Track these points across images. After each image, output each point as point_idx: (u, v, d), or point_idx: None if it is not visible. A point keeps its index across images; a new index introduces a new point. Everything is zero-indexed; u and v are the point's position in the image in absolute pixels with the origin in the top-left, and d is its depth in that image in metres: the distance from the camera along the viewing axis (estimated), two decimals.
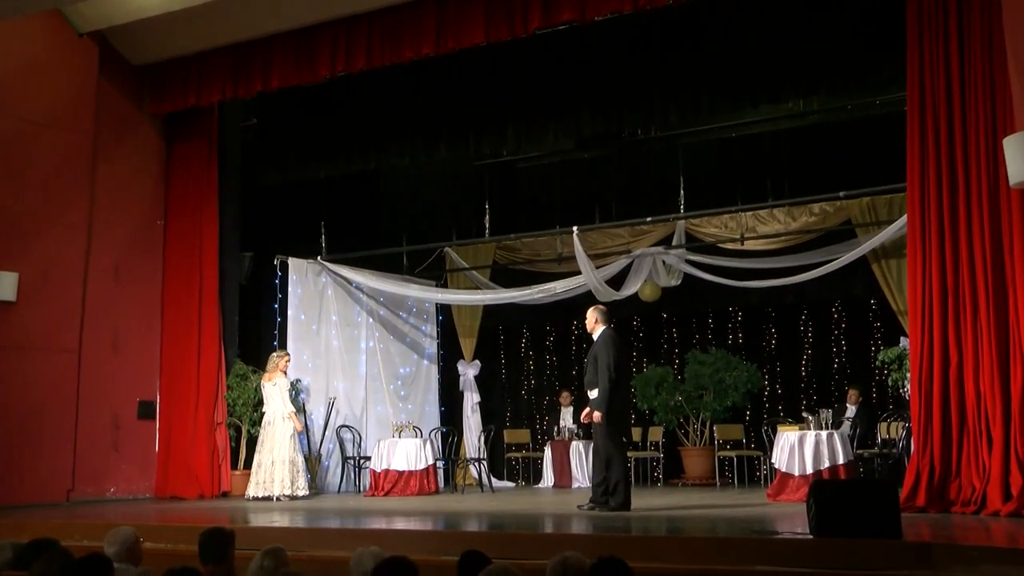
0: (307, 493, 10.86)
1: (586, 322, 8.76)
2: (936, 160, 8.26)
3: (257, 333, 12.62)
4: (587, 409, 8.48)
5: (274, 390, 10.99)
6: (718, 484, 12.12)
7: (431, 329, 14.03)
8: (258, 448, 10.88)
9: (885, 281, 10.87)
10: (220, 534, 4.94)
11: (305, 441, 11.65)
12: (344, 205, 13.37)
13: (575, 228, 11.54)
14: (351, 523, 8.38)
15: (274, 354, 11.34)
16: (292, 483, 10.72)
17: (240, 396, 11.64)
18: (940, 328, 8.13)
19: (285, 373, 11.12)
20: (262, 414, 11.12)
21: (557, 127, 10.85)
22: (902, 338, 10.25)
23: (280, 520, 8.52)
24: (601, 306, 9.02)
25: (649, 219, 11.86)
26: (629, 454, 12.45)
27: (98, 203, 11.21)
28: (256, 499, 10.61)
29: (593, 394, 8.42)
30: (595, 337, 8.63)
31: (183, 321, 11.67)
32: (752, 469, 12.60)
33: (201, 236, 11.81)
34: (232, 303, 12.10)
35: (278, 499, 10.60)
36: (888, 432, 10.85)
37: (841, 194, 10.69)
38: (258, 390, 11.58)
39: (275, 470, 10.73)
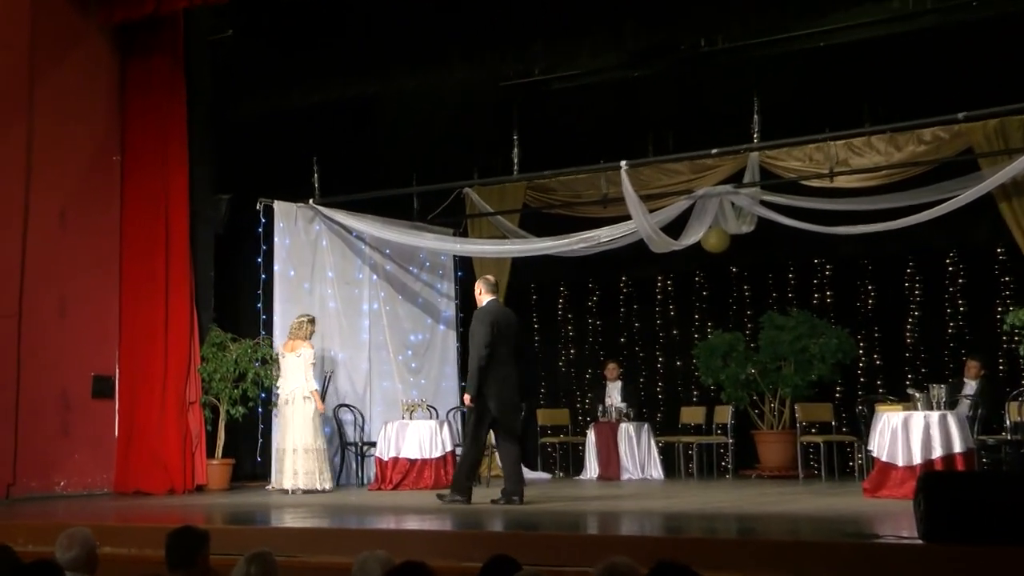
0: (331, 487, 11.10)
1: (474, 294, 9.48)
2: None
3: (237, 293, 12.62)
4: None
5: (296, 362, 11.16)
6: (801, 476, 12.10)
7: (448, 288, 14.06)
8: (278, 433, 11.23)
9: (1017, 224, 10.68)
10: (189, 534, 4.99)
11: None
12: (341, 137, 13.35)
13: (623, 163, 11.51)
14: (353, 522, 8.44)
15: (299, 318, 11.49)
16: (319, 474, 10.97)
17: (217, 369, 11.66)
18: None
19: (310, 342, 11.28)
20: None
21: (599, 39, 10.77)
22: None
23: (272, 519, 8.51)
24: (488, 276, 9.74)
25: (715, 151, 11.76)
26: (689, 439, 12.82)
27: (37, 135, 11.15)
28: (293, 492, 10.83)
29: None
30: None
31: (146, 278, 11.66)
32: (843, 458, 12.56)
33: (167, 175, 11.77)
34: (206, 256, 12.12)
35: (293, 492, 10.81)
36: (1020, 414, 10.71)
37: (960, 115, 10.48)
38: (239, 362, 11.68)
39: (295, 459, 10.93)
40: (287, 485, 10.93)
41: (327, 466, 11.15)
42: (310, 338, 11.37)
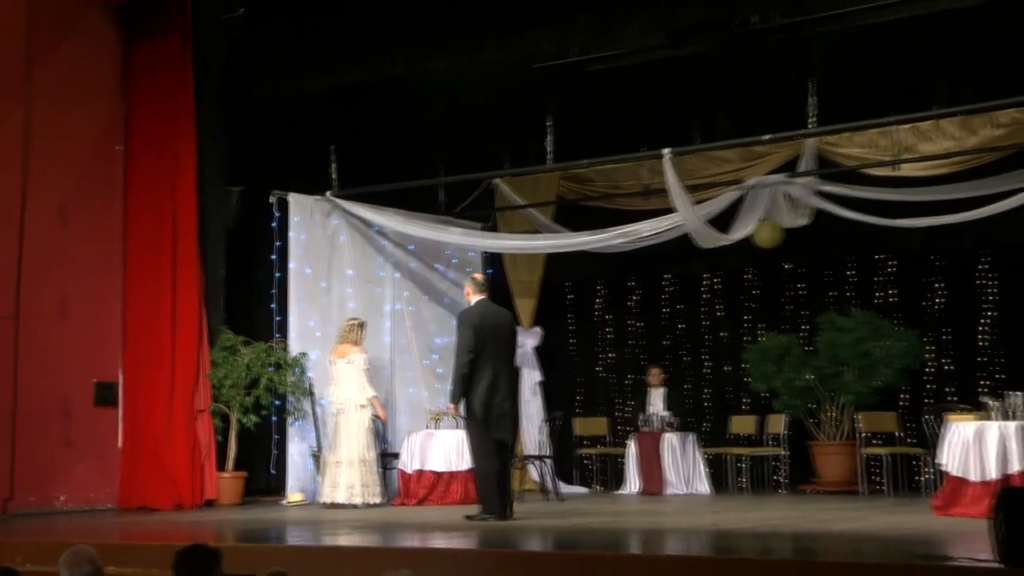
0: (381, 500, 11.25)
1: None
2: None
3: (249, 292, 12.67)
4: None
5: (348, 369, 11.35)
6: (864, 491, 12.06)
7: None
8: (327, 444, 11.44)
9: None
10: (200, 553, 5.01)
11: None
12: (361, 124, 13.38)
13: (667, 151, 11.48)
14: (376, 540, 8.39)
15: (348, 321, 11.67)
16: (371, 487, 11.17)
17: (228, 375, 11.71)
18: None
19: (362, 347, 11.47)
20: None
21: (642, 16, 10.73)
22: None
23: (288, 536, 8.53)
24: (477, 275, 9.96)
25: (767, 137, 11.67)
26: (740, 451, 12.80)
27: (35, 123, 11.19)
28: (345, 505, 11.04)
29: None
30: None
31: (152, 277, 11.68)
32: (910, 472, 12.49)
33: (174, 165, 11.80)
34: (216, 253, 12.16)
35: (345, 506, 11.00)
36: None
37: None
38: (251, 367, 11.75)
39: (349, 472, 11.12)
40: (340, 499, 11.07)
41: (375, 479, 11.31)
42: (361, 343, 11.54)
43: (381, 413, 11.65)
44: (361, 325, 11.62)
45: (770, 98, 12.56)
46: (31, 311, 11.02)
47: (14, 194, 11.00)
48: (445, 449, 11.53)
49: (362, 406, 11.28)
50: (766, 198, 11.83)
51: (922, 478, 12.05)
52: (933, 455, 10.32)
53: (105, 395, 11.57)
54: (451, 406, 9.55)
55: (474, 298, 9.57)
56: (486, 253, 13.96)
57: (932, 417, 10.83)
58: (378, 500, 11.21)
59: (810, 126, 11.49)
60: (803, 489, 12.55)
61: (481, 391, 9.21)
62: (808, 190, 11.70)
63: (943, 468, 9.57)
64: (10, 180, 10.99)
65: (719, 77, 12.81)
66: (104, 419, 11.57)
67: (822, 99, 11.48)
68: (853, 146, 11.68)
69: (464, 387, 9.23)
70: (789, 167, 11.88)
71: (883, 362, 12.19)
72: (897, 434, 12.39)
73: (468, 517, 9.35)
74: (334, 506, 11.02)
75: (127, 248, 11.82)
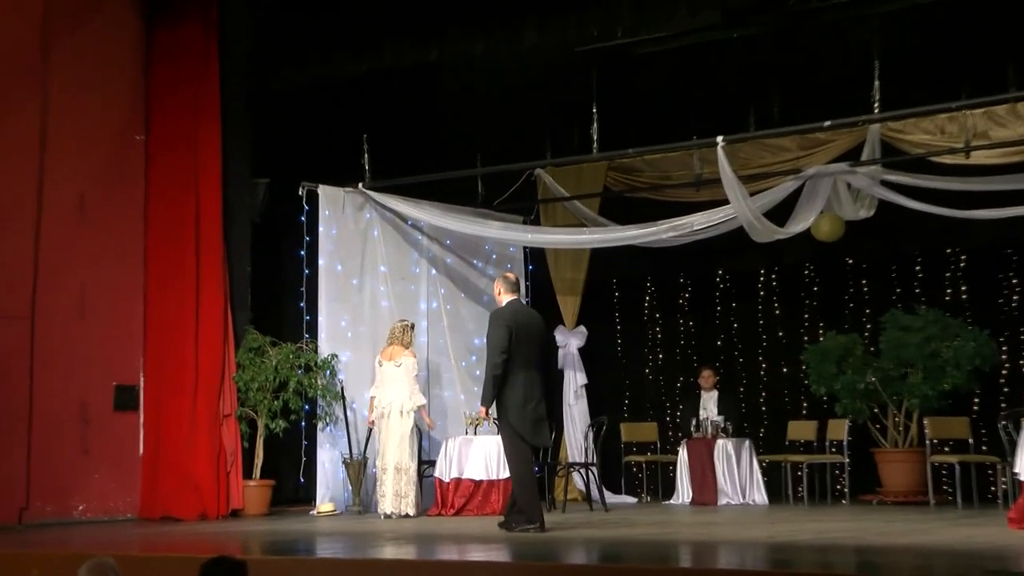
0: (415, 512, 11.31)
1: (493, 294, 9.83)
2: None
3: (277, 290, 12.74)
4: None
5: (396, 373, 11.49)
6: (932, 502, 11.95)
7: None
8: (380, 450, 11.55)
9: None
10: (225, 566, 5.00)
11: (352, 443, 11.96)
12: (395, 112, 13.39)
13: (720, 139, 11.46)
14: (411, 552, 8.40)
15: (400, 322, 11.79)
16: (397, 498, 11.25)
17: (255, 378, 11.76)
18: None
19: (412, 350, 11.63)
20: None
21: None
22: None
23: (317, 548, 8.53)
24: (508, 274, 10.01)
25: (827, 123, 11.63)
26: (798, 458, 12.73)
27: (52, 113, 11.27)
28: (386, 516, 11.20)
29: None
30: None
31: (174, 274, 11.74)
32: (983, 482, 12.38)
33: (197, 156, 11.86)
34: (242, 249, 12.22)
35: (386, 517, 11.19)
36: None
37: None
38: (279, 369, 11.79)
39: (386, 480, 11.27)
40: (389, 508, 11.25)
41: (413, 489, 11.39)
42: (411, 345, 11.66)
43: (429, 423, 11.81)
44: (412, 327, 11.76)
45: (830, 81, 12.48)
46: (48, 310, 11.10)
47: (30, 186, 11.08)
48: (484, 456, 11.53)
49: (407, 412, 11.39)
50: (826, 188, 11.78)
51: (996, 488, 11.97)
52: (1008, 463, 10.25)
53: (125, 399, 11.63)
54: (482, 409, 9.67)
55: (505, 298, 9.63)
56: (527, 248, 13.97)
57: (1007, 423, 10.70)
58: (412, 511, 11.25)
59: (874, 111, 11.41)
60: (866, 500, 12.46)
61: (515, 395, 9.26)
62: (871, 180, 11.63)
63: (1020, 477, 9.43)
64: (26, 171, 11.06)
65: (775, 59, 12.71)
66: (124, 424, 11.63)
67: (886, 82, 11.37)
68: (920, 132, 11.61)
69: (496, 389, 9.26)
70: (851, 155, 11.82)
71: (952, 363, 12.07)
72: (969, 441, 12.25)
73: (503, 526, 9.34)
74: (387, 517, 11.19)
75: (148, 243, 11.89)
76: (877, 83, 11.34)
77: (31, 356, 10.93)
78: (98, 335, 11.45)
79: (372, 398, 11.74)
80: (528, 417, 9.30)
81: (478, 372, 13.31)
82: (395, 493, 11.23)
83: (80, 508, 11.22)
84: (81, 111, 11.49)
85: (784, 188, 11.84)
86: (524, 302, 13.56)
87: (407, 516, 11.16)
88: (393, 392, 11.41)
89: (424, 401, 11.64)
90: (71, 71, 11.43)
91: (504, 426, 9.39)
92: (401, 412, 11.35)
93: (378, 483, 11.46)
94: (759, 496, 12.62)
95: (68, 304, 11.27)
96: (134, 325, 11.77)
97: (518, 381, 9.28)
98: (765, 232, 11.65)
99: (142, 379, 11.77)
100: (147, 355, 11.78)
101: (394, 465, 11.26)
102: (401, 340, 11.63)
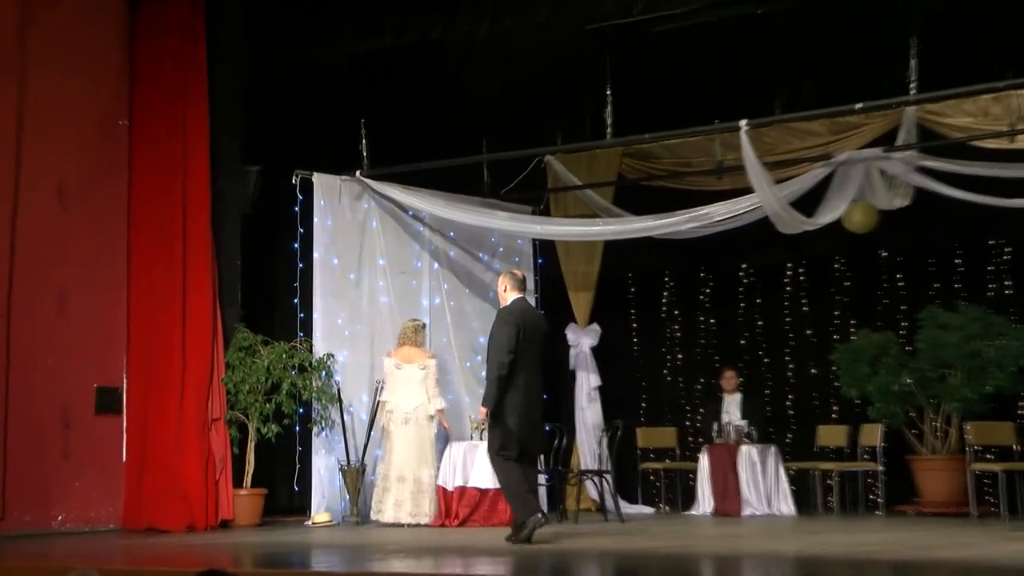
0: (429, 521, 11.50)
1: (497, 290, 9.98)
2: None
3: (269, 285, 12.78)
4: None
5: (417, 375, 11.80)
6: (974, 513, 11.93)
7: (526, 279, 13.96)
8: (382, 457, 11.77)
9: None
10: None
11: (350, 448, 12.00)
12: (395, 95, 13.46)
13: (743, 122, 11.48)
14: (412, 565, 8.42)
15: (412, 321, 12.03)
16: (416, 507, 11.54)
17: (246, 379, 11.76)
18: None
19: (431, 351, 11.86)
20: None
21: None
22: None
23: (312, 561, 8.48)
24: (515, 270, 10.16)
25: (859, 105, 11.59)
26: (828, 465, 12.76)
27: (29, 96, 11.23)
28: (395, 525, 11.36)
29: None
30: None
31: (160, 269, 11.74)
32: None
33: (184, 142, 11.86)
34: (232, 242, 12.22)
35: (400, 526, 11.40)
36: None
37: None
38: (271, 370, 11.80)
39: (401, 488, 11.45)
40: (387, 518, 11.43)
41: (434, 498, 11.64)
42: (424, 345, 11.89)
43: (448, 427, 11.94)
44: (424, 326, 11.96)
45: (863, 61, 12.51)
46: (25, 307, 11.07)
47: (6, 176, 11.05)
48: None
49: (431, 417, 11.62)
50: (859, 176, 11.77)
51: None
52: None
53: (108, 402, 11.62)
54: (482, 410, 9.70)
55: (511, 295, 9.78)
56: (536, 241, 13.99)
57: None
58: (428, 520, 11.42)
59: (910, 92, 11.38)
60: (902, 510, 12.47)
61: (515, 398, 9.41)
62: (907, 166, 11.63)
63: None
64: (2, 159, 11.02)
65: (804, 37, 12.76)
66: (107, 429, 11.61)
67: (924, 61, 11.35)
68: (961, 115, 11.58)
69: (501, 391, 9.39)
70: (885, 140, 11.81)
71: (995, 364, 12.04)
72: (1014, 447, 12.24)
73: (510, 539, 9.37)
74: (382, 526, 11.38)
75: (132, 236, 11.89)
76: (914, 62, 11.31)
77: (7, 356, 10.89)
78: (79, 333, 11.44)
79: (383, 403, 11.83)
80: (524, 422, 9.44)
81: (484, 373, 13.32)
82: (413, 502, 11.40)
83: (59, 518, 11.19)
84: (60, 94, 11.46)
85: (813, 176, 11.84)
86: (533, 300, 13.81)
87: (418, 526, 11.30)
88: (413, 396, 11.63)
89: (444, 404, 11.86)
90: (50, 53, 11.39)
91: (497, 428, 9.48)
92: (427, 418, 11.57)
93: (383, 491, 11.53)
94: (786, 506, 12.60)
95: (46, 301, 11.24)
96: (117, 323, 11.77)
97: (522, 384, 9.43)
98: (792, 223, 11.64)
99: (125, 380, 11.77)
100: (131, 355, 11.78)
101: (412, 475, 11.46)
102: (414, 341, 11.83)
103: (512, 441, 9.41)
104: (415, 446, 11.52)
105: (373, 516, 11.59)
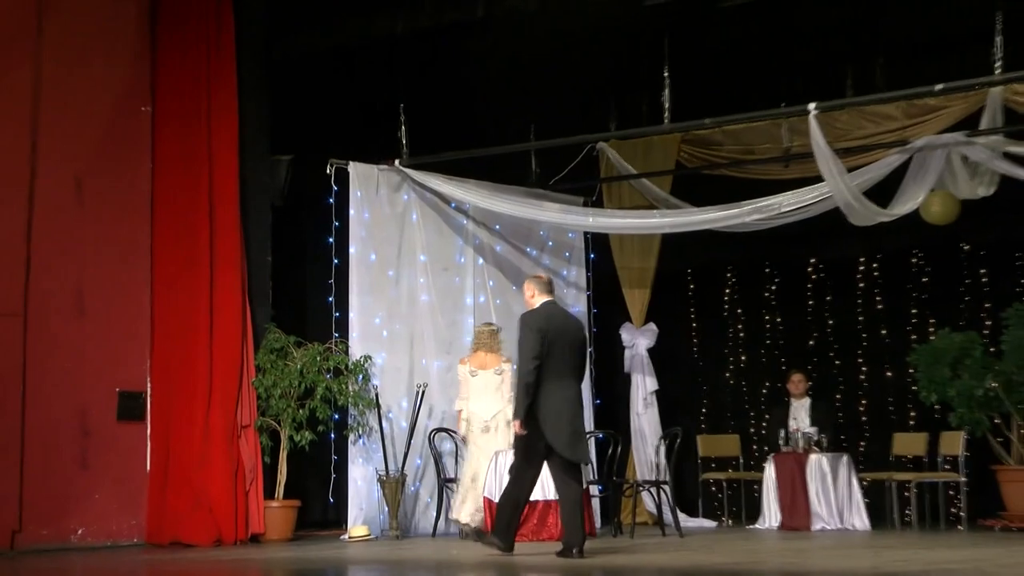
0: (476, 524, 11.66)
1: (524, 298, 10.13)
2: None
3: (302, 283, 12.86)
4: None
5: (495, 381, 12.04)
6: None
7: (578, 275, 14.12)
8: (467, 460, 12.11)
9: None
10: None
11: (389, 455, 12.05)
12: (435, 79, 13.47)
13: (812, 106, 11.40)
14: None
15: (487, 326, 12.21)
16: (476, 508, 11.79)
17: (277, 383, 11.80)
18: None
19: (507, 356, 11.94)
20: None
21: None
22: None
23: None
24: (540, 274, 10.51)
25: (939, 87, 11.54)
26: (906, 476, 12.68)
27: (46, 83, 11.30)
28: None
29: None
30: None
31: (185, 266, 11.79)
32: None
33: (210, 130, 11.92)
34: (262, 236, 12.30)
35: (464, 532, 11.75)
36: None
37: None
38: (305, 373, 11.82)
39: (472, 492, 11.70)
40: (465, 518, 11.73)
41: (472, 501, 11.84)
42: (499, 351, 12.02)
43: (519, 430, 11.99)
44: (499, 330, 12.08)
45: (943, 38, 12.49)
46: (42, 307, 11.13)
47: (22, 168, 11.12)
48: (542, 473, 11.39)
49: (510, 423, 11.64)
50: (938, 163, 11.69)
51: None
52: None
53: (130, 408, 11.67)
54: (515, 423, 9.67)
55: (539, 300, 9.84)
56: (588, 234, 13.99)
57: None
58: (479, 524, 11.51)
59: (995, 72, 11.33)
60: (986, 525, 12.36)
61: (551, 405, 9.47)
62: (992, 152, 11.52)
63: None
64: (17, 151, 11.10)
65: (878, 13, 12.63)
66: (129, 437, 11.66)
67: (1010, 37, 11.31)
68: None
69: (529, 399, 9.45)
70: (968, 124, 11.75)
71: None
72: None
73: (560, 554, 9.46)
74: (459, 523, 11.80)
75: (155, 230, 11.93)
76: (999, 38, 11.28)
77: (23, 359, 10.97)
78: (99, 335, 11.48)
79: (459, 411, 12.04)
80: (565, 430, 9.47)
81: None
82: (478, 508, 11.56)
83: (79, 532, 11.23)
84: (78, 80, 11.52)
85: (888, 163, 11.78)
86: (570, 306, 13.79)
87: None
88: (491, 403, 11.86)
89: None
90: (66, 37, 11.45)
91: (528, 439, 9.53)
92: (508, 424, 11.63)
93: (462, 498, 11.74)
94: (859, 520, 12.50)
95: (65, 300, 11.29)
96: (140, 323, 11.80)
97: (553, 391, 9.48)
98: (866, 214, 11.57)
99: (149, 385, 11.82)
100: (154, 357, 11.83)
101: (478, 477, 11.65)
102: (490, 345, 11.99)
103: (536, 451, 9.53)
104: (489, 451, 11.61)
105: (452, 516, 11.87)
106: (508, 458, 11.59)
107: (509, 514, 9.65)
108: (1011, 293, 13.05)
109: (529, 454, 9.57)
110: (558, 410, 9.44)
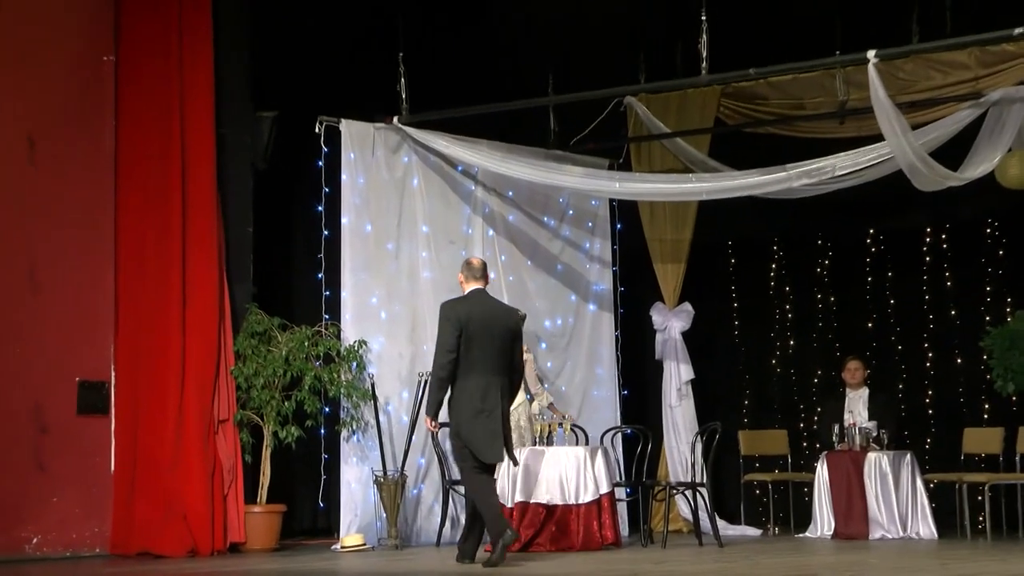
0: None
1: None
2: None
3: (287, 257, 12.93)
4: None
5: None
6: None
7: (602, 248, 14.18)
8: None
9: None
10: None
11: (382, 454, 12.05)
12: (440, 25, 13.56)
13: (871, 53, 11.33)
14: None
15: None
16: None
17: (260, 372, 11.82)
18: None
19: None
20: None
21: None
22: None
23: None
24: (472, 259, 10.64)
25: (1018, 30, 11.34)
26: (978, 477, 12.72)
27: None
28: None
29: None
30: None
31: (154, 236, 11.78)
32: None
33: (183, 82, 11.91)
34: (241, 203, 12.30)
35: None
36: None
37: None
38: (291, 361, 11.88)
39: None
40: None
41: None
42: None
43: (560, 413, 12.44)
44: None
45: None
46: None
47: None
48: (560, 473, 11.48)
49: (533, 417, 12.04)
50: (1016, 119, 11.68)
51: None
52: None
53: (92, 400, 11.68)
54: (427, 419, 10.32)
55: (469, 287, 10.31)
56: (614, 202, 14.05)
57: None
58: None
59: None
60: None
61: (464, 402, 9.94)
62: None
63: None
64: None
65: None
66: (91, 433, 11.66)
67: None
68: None
69: (441, 395, 10.01)
70: None
71: None
72: None
73: (487, 564, 9.67)
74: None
75: (119, 196, 11.95)
76: None
77: None
78: (55, 316, 11.48)
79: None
80: (478, 430, 9.89)
81: (550, 363, 13.56)
82: None
83: (34, 541, 11.23)
84: (31, 28, 11.48)
85: (959, 119, 11.78)
86: (592, 283, 13.73)
87: None
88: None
89: (551, 398, 12.53)
90: None
91: (452, 438, 10.20)
92: (527, 418, 11.96)
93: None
94: (925, 528, 12.48)
95: (15, 277, 11.29)
96: (102, 303, 11.82)
97: (469, 386, 9.93)
98: (933, 178, 11.53)
99: (113, 374, 11.84)
100: (119, 342, 11.84)
101: None
102: None
103: (466, 452, 9.97)
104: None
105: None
106: (523, 456, 11.60)
107: (494, 514, 9.84)
108: None
109: (463, 453, 10.03)
110: (471, 408, 9.88)
